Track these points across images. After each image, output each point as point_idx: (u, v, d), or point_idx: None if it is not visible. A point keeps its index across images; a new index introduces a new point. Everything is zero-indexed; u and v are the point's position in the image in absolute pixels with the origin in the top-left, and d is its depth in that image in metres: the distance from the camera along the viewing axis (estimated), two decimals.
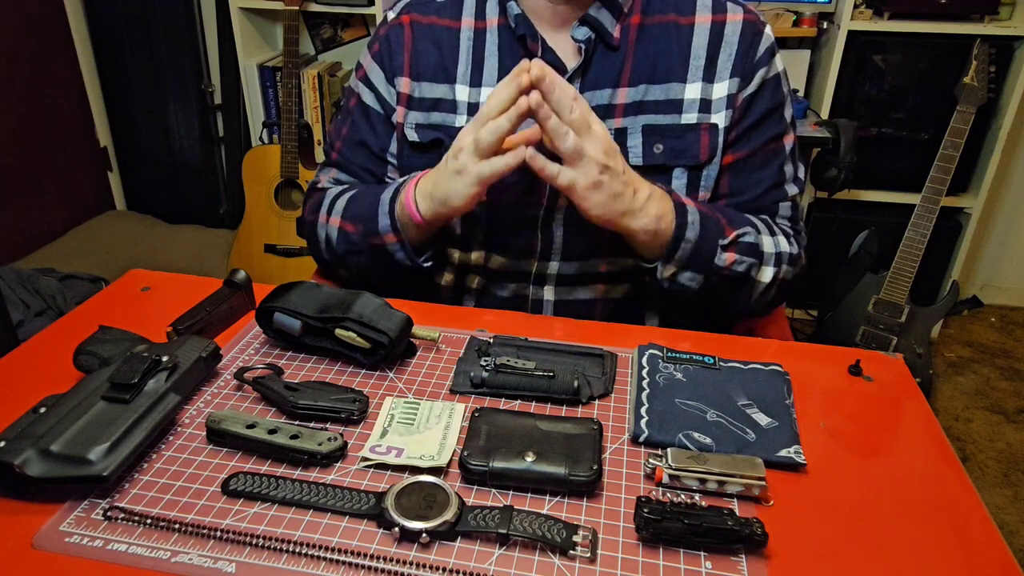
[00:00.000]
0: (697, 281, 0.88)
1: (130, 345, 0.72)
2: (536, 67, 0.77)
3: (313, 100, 2.54)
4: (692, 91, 0.90)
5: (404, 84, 0.95)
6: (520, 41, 0.91)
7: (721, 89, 0.90)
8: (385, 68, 0.96)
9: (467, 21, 0.94)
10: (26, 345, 0.80)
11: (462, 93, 0.93)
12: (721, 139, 0.91)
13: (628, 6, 0.90)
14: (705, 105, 0.90)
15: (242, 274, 0.86)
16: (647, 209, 0.83)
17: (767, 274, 0.91)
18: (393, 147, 0.98)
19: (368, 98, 0.99)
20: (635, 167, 0.90)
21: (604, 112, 0.90)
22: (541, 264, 0.94)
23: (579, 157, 0.78)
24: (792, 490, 0.63)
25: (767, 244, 0.91)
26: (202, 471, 0.62)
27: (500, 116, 0.79)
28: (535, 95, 0.77)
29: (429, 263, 0.93)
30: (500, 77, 0.92)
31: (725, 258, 0.87)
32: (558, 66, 0.90)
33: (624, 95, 0.90)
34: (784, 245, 0.93)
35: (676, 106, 0.90)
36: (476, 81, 0.92)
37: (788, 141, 0.95)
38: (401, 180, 0.92)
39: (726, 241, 0.87)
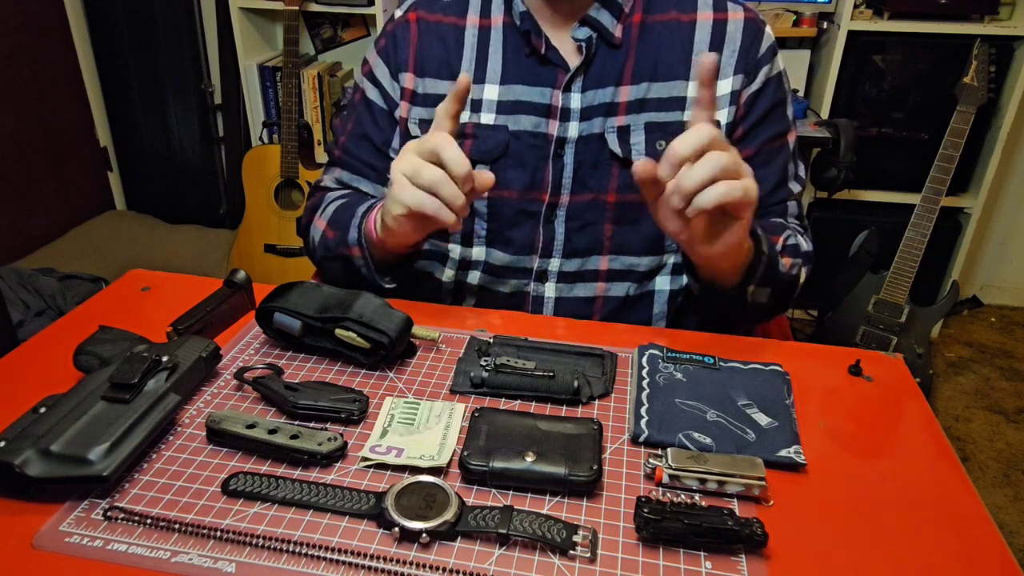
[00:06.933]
0: (766, 295, 0.86)
1: (130, 345, 0.72)
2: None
3: (313, 100, 2.54)
4: (694, 88, 0.89)
5: (408, 80, 0.95)
6: (524, 38, 0.91)
7: (724, 86, 0.90)
8: (390, 64, 0.97)
9: (472, 19, 0.94)
10: (26, 345, 0.80)
11: None
12: (723, 135, 0.90)
13: (629, 6, 0.91)
14: None
15: (242, 274, 0.86)
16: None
17: (804, 273, 0.92)
18: (396, 142, 0.99)
19: (372, 94, 0.99)
20: None
21: (606, 110, 0.90)
22: (542, 261, 0.94)
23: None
24: (792, 490, 0.63)
25: (803, 244, 0.92)
26: (202, 471, 0.62)
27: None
28: None
29: (392, 285, 0.91)
30: (503, 75, 0.92)
31: (784, 263, 0.87)
32: (561, 64, 0.90)
33: (626, 93, 0.90)
34: (804, 244, 0.94)
35: (679, 103, 0.90)
36: (479, 78, 0.93)
37: (791, 138, 0.96)
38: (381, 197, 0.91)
39: (779, 247, 0.87)
